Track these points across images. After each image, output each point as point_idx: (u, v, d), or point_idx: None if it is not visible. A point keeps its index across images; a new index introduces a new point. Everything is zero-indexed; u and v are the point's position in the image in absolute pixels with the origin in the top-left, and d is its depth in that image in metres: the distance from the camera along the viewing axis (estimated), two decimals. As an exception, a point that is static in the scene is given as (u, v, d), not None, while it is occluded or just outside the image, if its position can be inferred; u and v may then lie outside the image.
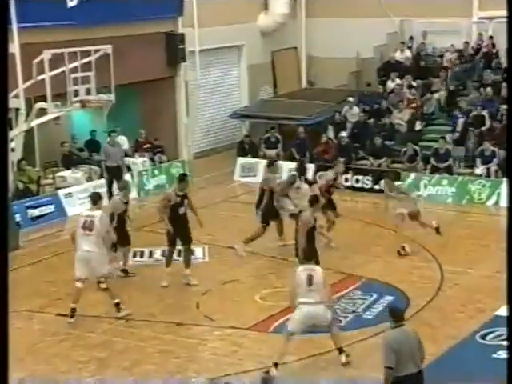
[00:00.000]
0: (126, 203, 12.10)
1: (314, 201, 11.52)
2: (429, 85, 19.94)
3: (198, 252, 13.37)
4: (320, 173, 18.01)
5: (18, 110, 15.13)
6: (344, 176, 17.68)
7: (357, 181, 17.68)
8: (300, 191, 13.00)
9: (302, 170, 14.04)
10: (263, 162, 18.46)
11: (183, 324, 10.57)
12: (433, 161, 17.34)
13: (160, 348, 9.88)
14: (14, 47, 15.07)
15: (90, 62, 14.37)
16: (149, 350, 9.76)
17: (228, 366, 9.25)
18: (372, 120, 19.17)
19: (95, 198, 10.83)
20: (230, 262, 12.87)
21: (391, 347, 6.81)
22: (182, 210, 11.56)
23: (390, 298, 11.27)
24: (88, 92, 14.34)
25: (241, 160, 18.76)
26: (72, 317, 10.57)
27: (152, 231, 14.41)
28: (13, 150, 15.50)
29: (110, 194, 15.60)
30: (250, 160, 18.72)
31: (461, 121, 18.02)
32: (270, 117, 19.72)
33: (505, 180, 15.85)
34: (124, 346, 10.00)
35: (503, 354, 8.69)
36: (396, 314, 7.04)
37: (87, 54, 14.47)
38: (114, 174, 16.05)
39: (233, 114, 20.77)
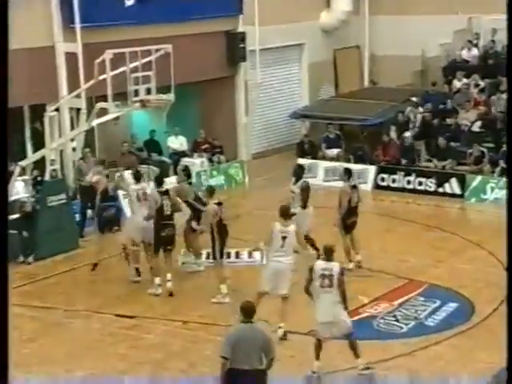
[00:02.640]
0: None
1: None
2: (497, 84, 19.54)
3: (256, 255, 13.42)
4: (381, 175, 17.93)
5: (79, 109, 15.47)
6: (407, 178, 17.58)
7: (420, 183, 17.46)
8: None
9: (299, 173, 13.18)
10: (324, 163, 18.52)
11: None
12: (502, 163, 16.98)
13: (216, 350, 9.94)
14: (77, 47, 15.47)
15: (150, 62, 14.57)
16: (206, 352, 9.85)
17: (286, 371, 9.25)
18: (436, 120, 18.91)
19: (137, 176, 12.20)
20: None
21: (229, 339, 7.25)
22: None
23: (453, 305, 11.11)
24: (148, 92, 14.54)
25: (300, 161, 18.73)
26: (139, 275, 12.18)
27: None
28: (74, 149, 15.88)
29: (84, 220, 14.28)
30: (309, 161, 18.69)
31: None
32: (330, 117, 19.64)
33: None
34: (181, 347, 10.12)
35: None
36: (244, 311, 7.35)
37: (148, 53, 14.68)
38: (89, 196, 14.02)
39: (293, 113, 20.78)
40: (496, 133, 17.85)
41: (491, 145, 17.82)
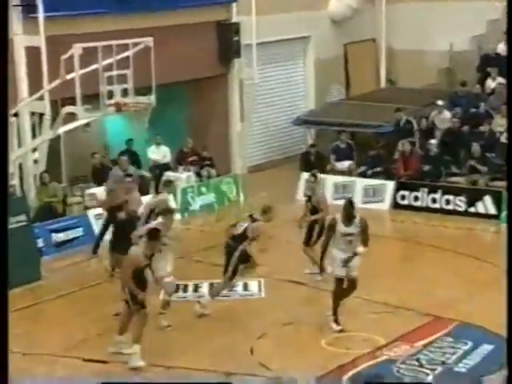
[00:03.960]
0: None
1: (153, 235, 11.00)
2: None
3: (253, 286, 13.42)
4: (401, 192, 17.95)
5: (42, 115, 15.50)
6: (432, 195, 17.60)
7: (447, 202, 17.48)
8: None
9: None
10: (333, 178, 18.54)
11: (234, 374, 10.61)
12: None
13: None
14: (40, 40, 15.52)
15: (127, 58, 14.63)
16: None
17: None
18: (467, 127, 18.97)
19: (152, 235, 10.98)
20: (291, 298, 12.86)
21: None
22: None
23: (488, 347, 11.08)
24: (124, 93, 14.58)
25: (305, 175, 18.74)
26: None
27: (198, 261, 14.54)
28: (35, 161, 15.91)
29: (102, 236, 14.86)
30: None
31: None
32: (340, 123, 19.72)
33: None
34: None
35: None
36: None
37: (124, 48, 14.74)
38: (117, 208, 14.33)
39: (296, 119, 20.84)
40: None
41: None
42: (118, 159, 16.56)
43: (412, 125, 19.09)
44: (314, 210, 13.55)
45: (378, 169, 18.56)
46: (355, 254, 11.62)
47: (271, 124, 21.55)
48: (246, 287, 13.42)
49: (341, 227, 11.64)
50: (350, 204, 11.80)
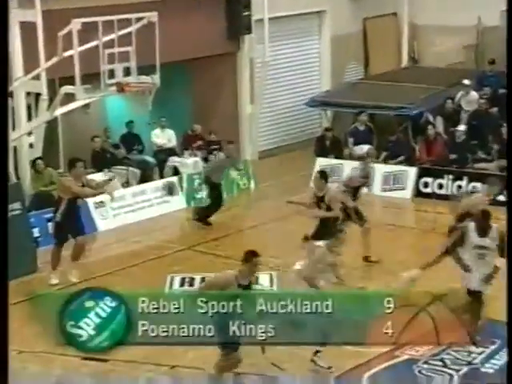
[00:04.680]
0: None
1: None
2: None
3: (264, 279, 13.43)
4: (424, 179, 17.91)
5: (38, 95, 15.52)
6: (457, 183, 17.56)
7: (474, 189, 17.44)
8: None
9: None
10: (350, 164, 18.50)
11: (244, 373, 10.63)
12: None
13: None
14: (35, 15, 15.53)
15: (129, 34, 14.63)
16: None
17: None
18: (496, 109, 18.91)
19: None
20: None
21: None
22: None
23: (518, 347, 11.07)
24: (127, 72, 14.58)
25: (321, 161, 18.75)
26: None
27: (204, 252, 14.56)
28: (31, 145, 15.94)
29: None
30: (332, 161, 18.72)
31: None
32: (359, 104, 19.69)
33: None
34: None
35: None
36: None
37: (126, 23, 14.73)
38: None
39: (311, 100, 20.82)
40: None
41: None
42: (223, 147, 17.35)
43: (460, 108, 18.98)
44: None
45: (400, 158, 18.57)
46: (496, 269, 11.31)
47: (284, 106, 21.52)
48: (256, 280, 13.42)
49: (474, 238, 11.24)
50: (485, 213, 11.45)
